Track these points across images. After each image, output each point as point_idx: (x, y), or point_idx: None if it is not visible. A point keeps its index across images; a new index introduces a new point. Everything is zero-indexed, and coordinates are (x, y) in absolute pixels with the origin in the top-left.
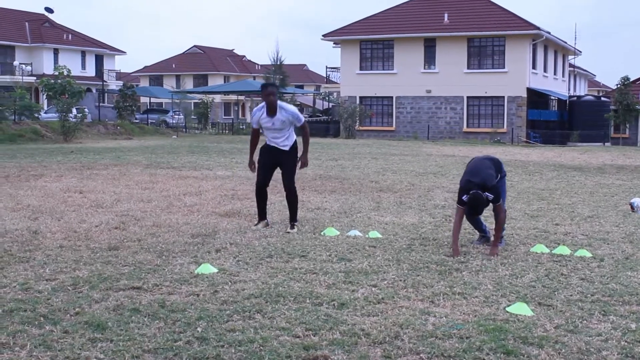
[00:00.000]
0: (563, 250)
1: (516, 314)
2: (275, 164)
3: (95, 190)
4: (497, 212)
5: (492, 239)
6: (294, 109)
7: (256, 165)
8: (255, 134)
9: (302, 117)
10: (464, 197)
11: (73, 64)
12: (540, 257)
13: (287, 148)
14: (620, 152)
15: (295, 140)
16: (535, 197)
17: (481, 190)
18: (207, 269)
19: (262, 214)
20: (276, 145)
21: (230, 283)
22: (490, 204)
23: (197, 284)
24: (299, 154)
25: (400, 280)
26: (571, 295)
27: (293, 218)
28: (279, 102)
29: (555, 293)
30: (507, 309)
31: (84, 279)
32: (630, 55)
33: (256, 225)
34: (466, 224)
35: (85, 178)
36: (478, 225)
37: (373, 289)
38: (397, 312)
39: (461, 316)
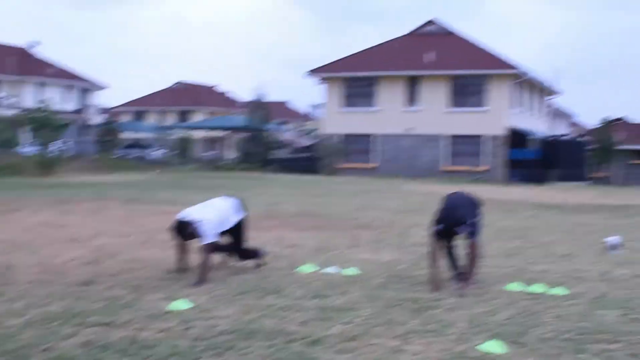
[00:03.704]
0: (538, 288)
1: (489, 352)
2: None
3: (72, 224)
4: (472, 248)
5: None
6: (203, 231)
7: None
8: None
9: (206, 240)
10: (439, 227)
11: (55, 97)
12: (515, 295)
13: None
14: (599, 191)
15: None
16: (513, 235)
17: (460, 223)
18: (181, 305)
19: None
20: None
21: (203, 319)
22: (461, 237)
23: (170, 320)
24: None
25: (374, 318)
26: (544, 334)
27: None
28: (196, 227)
29: (529, 331)
30: (480, 347)
31: (55, 314)
32: (610, 96)
33: (229, 256)
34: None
35: (63, 212)
36: (453, 262)
37: (347, 326)
38: (370, 349)
39: (434, 354)
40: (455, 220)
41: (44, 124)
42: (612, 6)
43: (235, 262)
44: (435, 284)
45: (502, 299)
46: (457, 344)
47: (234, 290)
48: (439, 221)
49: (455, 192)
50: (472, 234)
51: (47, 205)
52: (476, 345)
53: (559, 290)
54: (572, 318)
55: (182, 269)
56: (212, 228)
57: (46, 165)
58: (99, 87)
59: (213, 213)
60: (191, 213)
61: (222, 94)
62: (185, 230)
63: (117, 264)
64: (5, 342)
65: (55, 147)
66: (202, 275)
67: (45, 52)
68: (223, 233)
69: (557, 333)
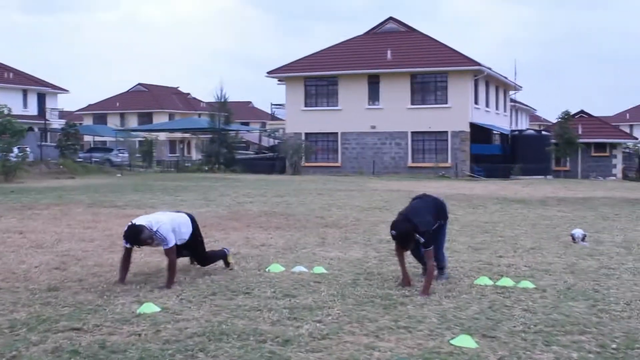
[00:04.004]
0: (506, 282)
1: (460, 346)
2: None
3: (35, 230)
4: (427, 257)
5: (435, 272)
6: (162, 236)
7: None
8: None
9: (168, 244)
10: (392, 232)
11: (14, 102)
12: (484, 289)
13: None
14: (562, 184)
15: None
16: (479, 230)
17: (413, 232)
18: (150, 308)
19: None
20: None
21: (172, 322)
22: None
23: (139, 324)
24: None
25: (345, 316)
26: (514, 327)
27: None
28: (152, 233)
29: (499, 324)
30: (451, 341)
31: (21, 321)
32: (569, 90)
33: (192, 263)
34: (410, 258)
35: (26, 218)
36: (420, 259)
37: (318, 324)
38: (341, 347)
39: (406, 350)
40: (408, 229)
41: (4, 129)
42: (569, 3)
43: (199, 267)
44: (405, 280)
45: (472, 293)
46: (428, 339)
47: (204, 292)
48: (393, 226)
49: (421, 196)
50: (425, 245)
51: (9, 212)
52: (447, 340)
53: (527, 283)
54: (541, 310)
55: (123, 278)
56: (171, 231)
57: (8, 170)
58: (58, 91)
59: (169, 222)
60: (147, 219)
61: (184, 95)
62: (139, 236)
63: (83, 268)
64: None
65: (16, 152)
66: (170, 278)
67: (1, 56)
68: (180, 247)
69: (527, 326)
